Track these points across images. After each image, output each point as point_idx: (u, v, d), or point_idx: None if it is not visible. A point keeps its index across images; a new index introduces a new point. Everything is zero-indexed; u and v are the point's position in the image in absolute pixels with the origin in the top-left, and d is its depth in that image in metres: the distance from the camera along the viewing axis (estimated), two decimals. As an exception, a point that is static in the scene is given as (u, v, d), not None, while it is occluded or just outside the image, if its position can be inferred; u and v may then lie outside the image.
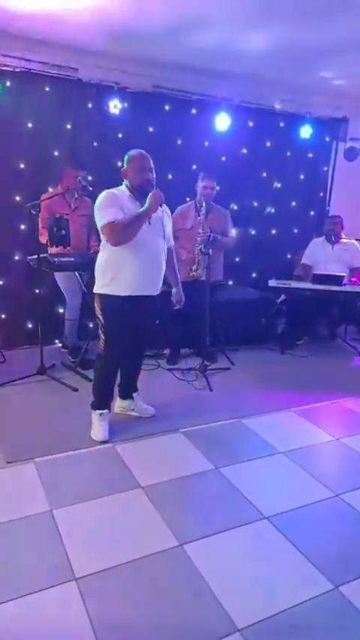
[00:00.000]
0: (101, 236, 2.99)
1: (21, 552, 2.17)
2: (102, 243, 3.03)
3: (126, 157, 3.02)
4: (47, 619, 1.84)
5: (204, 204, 4.21)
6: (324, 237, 5.23)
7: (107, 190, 2.99)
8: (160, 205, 2.95)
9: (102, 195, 2.95)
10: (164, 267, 3.16)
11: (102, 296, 3.05)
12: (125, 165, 3.01)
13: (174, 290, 3.48)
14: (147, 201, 2.90)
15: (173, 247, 3.37)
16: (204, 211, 4.22)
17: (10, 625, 1.81)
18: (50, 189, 4.35)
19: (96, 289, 3.08)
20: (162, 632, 1.81)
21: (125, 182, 3.03)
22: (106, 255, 3.02)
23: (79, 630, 1.79)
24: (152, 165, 3.00)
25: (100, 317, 3.08)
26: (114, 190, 2.99)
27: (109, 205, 2.90)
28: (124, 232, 2.87)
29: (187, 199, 4.50)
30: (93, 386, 3.27)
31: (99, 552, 2.17)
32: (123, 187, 3.03)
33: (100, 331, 3.12)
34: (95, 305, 3.11)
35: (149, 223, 2.94)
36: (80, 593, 1.95)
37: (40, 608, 1.88)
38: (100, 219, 2.91)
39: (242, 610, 1.90)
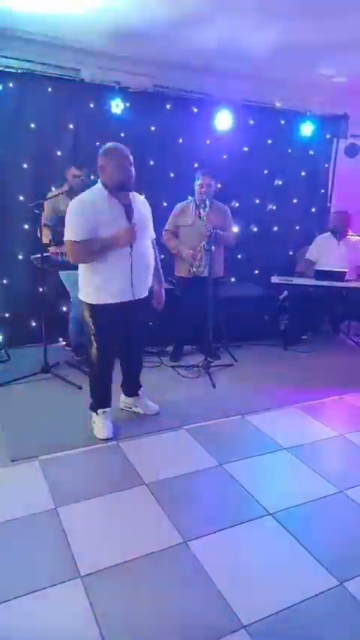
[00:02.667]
0: None
1: (26, 550, 2.18)
2: None
3: (101, 151, 2.80)
4: (52, 616, 1.86)
5: (207, 201, 4.21)
6: (329, 232, 5.23)
7: (78, 199, 2.81)
8: (131, 245, 2.78)
9: (71, 206, 2.79)
10: (152, 267, 3.07)
11: (89, 304, 2.96)
12: (101, 160, 2.79)
13: (155, 287, 3.26)
14: (118, 234, 2.74)
15: (154, 241, 3.21)
16: (207, 208, 4.22)
17: (16, 622, 1.83)
18: (53, 189, 4.36)
19: (81, 297, 3.00)
20: (167, 629, 1.82)
21: (101, 180, 2.83)
22: (84, 266, 2.91)
23: (84, 627, 1.80)
24: (132, 160, 2.80)
25: (90, 324, 3.02)
26: (87, 196, 2.81)
27: (76, 221, 2.75)
28: (83, 256, 2.80)
29: (189, 197, 4.51)
30: (90, 389, 3.26)
31: (104, 550, 2.19)
32: (99, 186, 2.83)
33: (91, 337, 3.07)
34: (84, 311, 3.04)
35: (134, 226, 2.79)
36: (85, 590, 1.96)
37: (46, 606, 1.90)
38: (65, 232, 2.79)
39: (247, 606, 1.91)
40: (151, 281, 3.09)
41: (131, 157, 2.81)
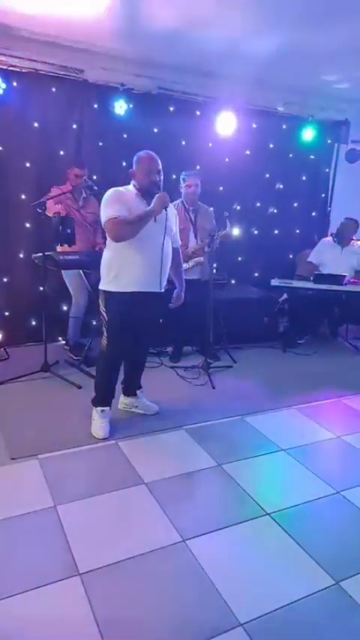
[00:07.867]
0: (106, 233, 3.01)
1: (25, 548, 2.19)
2: (107, 240, 3.04)
3: (135, 158, 3.04)
4: (51, 614, 1.86)
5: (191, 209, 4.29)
6: (333, 238, 5.24)
7: (114, 188, 3.01)
8: (165, 208, 2.97)
9: (109, 192, 2.97)
10: (169, 265, 3.16)
11: (106, 293, 3.07)
12: (134, 166, 3.03)
13: (176, 290, 3.44)
14: (153, 202, 2.93)
15: (179, 248, 3.38)
16: (193, 217, 4.29)
17: (14, 619, 1.83)
18: (53, 189, 4.37)
19: (101, 286, 3.10)
20: (165, 626, 1.83)
21: (133, 182, 3.05)
22: (110, 253, 3.03)
23: (83, 625, 1.81)
24: (160, 167, 3.02)
25: (104, 313, 3.10)
26: (121, 188, 3.02)
27: (114, 202, 2.92)
28: (125, 229, 2.88)
29: (177, 201, 4.53)
30: (95, 382, 3.28)
31: (103, 548, 2.20)
32: (130, 187, 3.05)
33: (103, 328, 3.14)
34: (100, 302, 3.13)
35: (154, 221, 2.96)
36: (84, 588, 1.97)
37: (45, 603, 1.90)
38: (104, 215, 2.93)
39: (244, 605, 1.92)
40: (165, 280, 3.16)
41: (159, 164, 3.02)
